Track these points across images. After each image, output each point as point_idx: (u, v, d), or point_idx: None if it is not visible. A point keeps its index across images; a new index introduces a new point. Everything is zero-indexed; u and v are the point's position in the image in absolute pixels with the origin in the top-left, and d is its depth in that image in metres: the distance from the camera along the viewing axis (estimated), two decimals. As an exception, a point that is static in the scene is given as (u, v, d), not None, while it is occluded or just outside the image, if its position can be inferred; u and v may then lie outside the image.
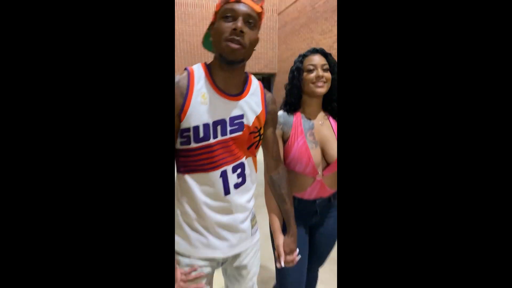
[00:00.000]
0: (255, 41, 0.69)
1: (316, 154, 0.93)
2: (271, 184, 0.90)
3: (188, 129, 0.69)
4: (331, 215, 1.04)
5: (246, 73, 0.78)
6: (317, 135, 0.95)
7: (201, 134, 0.69)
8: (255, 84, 0.79)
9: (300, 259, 0.93)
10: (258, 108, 0.77)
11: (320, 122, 0.97)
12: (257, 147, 0.80)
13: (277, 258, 0.90)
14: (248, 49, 0.68)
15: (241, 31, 0.64)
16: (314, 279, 1.21)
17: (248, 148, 0.77)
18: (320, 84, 0.89)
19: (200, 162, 0.71)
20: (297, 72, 0.94)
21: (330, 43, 4.35)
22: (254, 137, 0.77)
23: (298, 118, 0.95)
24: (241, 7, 0.64)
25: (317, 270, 1.19)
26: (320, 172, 0.94)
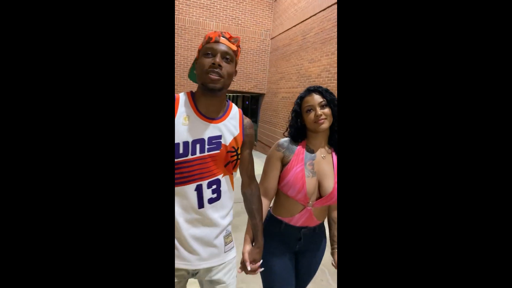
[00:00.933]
0: (232, 73, 0.83)
1: (310, 183, 0.96)
2: (244, 199, 0.98)
3: None
4: (315, 243, 1.08)
5: (227, 100, 0.90)
6: (316, 166, 0.99)
7: (181, 151, 0.79)
8: (234, 110, 0.91)
9: (287, 281, 1.01)
10: (236, 131, 0.88)
11: (322, 155, 1.01)
12: (234, 167, 0.89)
13: (241, 264, 0.96)
14: (226, 80, 0.82)
15: (219, 65, 0.78)
16: None
17: (225, 165, 0.86)
18: (320, 121, 0.95)
19: (178, 176, 0.80)
20: (295, 114, 1.02)
21: (318, 72, 4.62)
22: (231, 156, 0.86)
23: (302, 147, 1.01)
24: (219, 46, 0.80)
25: None
26: (311, 202, 0.98)
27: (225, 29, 6.43)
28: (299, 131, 1.02)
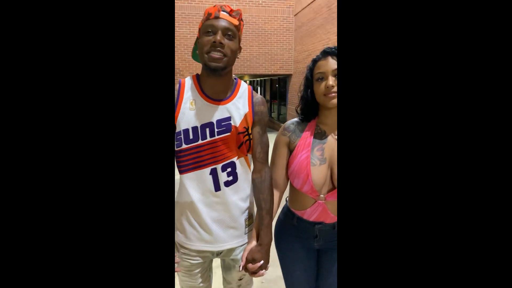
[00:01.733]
0: (235, 50, 0.78)
1: (318, 173, 0.81)
2: (253, 186, 0.87)
3: (179, 133, 0.80)
4: (335, 241, 0.89)
5: (235, 79, 0.86)
6: (327, 152, 0.83)
7: (191, 136, 0.79)
8: (243, 88, 0.86)
9: (302, 283, 0.90)
10: (245, 109, 0.83)
11: (335, 137, 0.84)
12: (249, 148, 0.85)
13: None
14: (230, 58, 0.77)
15: (221, 43, 0.73)
16: None
17: (239, 147, 0.82)
18: (331, 95, 0.77)
19: (191, 161, 0.80)
20: (306, 82, 0.85)
21: (347, 44, 4.35)
22: (243, 137, 0.82)
23: (311, 128, 0.86)
24: (219, 23, 0.75)
25: None
26: (322, 195, 0.83)
27: (246, 11, 6.26)
28: (309, 105, 0.85)
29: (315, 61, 0.83)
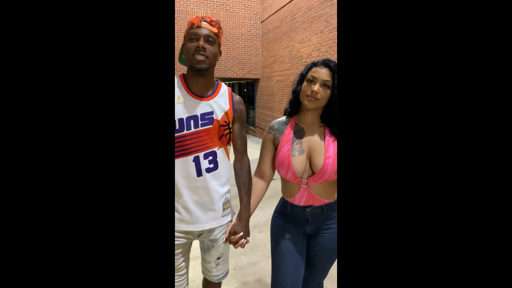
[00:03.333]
0: (216, 53, 0.95)
1: (297, 162, 0.95)
2: (235, 173, 1.04)
3: None
4: (328, 227, 1.03)
5: (217, 80, 1.02)
6: (305, 144, 0.97)
7: (177, 127, 0.92)
8: (224, 88, 1.03)
9: (294, 264, 1.01)
10: (226, 106, 1.00)
11: (313, 132, 0.98)
12: (228, 141, 1.01)
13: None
14: (211, 60, 0.92)
15: (203, 48, 0.89)
16: None
17: (219, 138, 0.98)
18: (311, 99, 0.90)
19: (177, 149, 0.93)
20: (300, 78, 0.97)
21: (309, 52, 4.67)
22: (224, 130, 0.99)
23: (291, 126, 1.00)
24: (201, 31, 0.91)
25: (321, 284, 1.19)
26: (304, 180, 0.96)
27: (214, 16, 6.40)
28: (296, 101, 0.99)
29: (314, 64, 0.94)
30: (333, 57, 3.90)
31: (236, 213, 1.03)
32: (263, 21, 6.73)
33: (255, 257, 1.97)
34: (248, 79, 7.39)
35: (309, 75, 0.93)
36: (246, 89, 8.43)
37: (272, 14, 6.14)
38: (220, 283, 1.18)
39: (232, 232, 0.97)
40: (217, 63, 0.98)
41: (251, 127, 7.86)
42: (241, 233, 0.98)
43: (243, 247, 1.00)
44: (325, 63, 0.92)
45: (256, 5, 6.79)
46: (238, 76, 6.95)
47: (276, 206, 1.12)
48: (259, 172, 1.05)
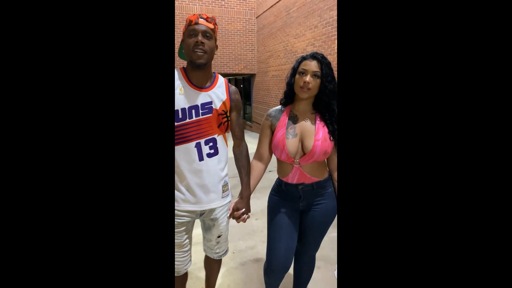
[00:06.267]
0: (213, 48, 1.04)
1: (291, 144, 1.07)
2: (234, 158, 1.16)
3: None
4: (318, 203, 1.16)
5: (214, 73, 1.13)
6: (298, 129, 1.09)
7: (180, 116, 1.02)
8: (221, 80, 1.13)
9: (288, 234, 1.14)
10: (224, 96, 1.10)
11: (305, 118, 1.10)
12: (226, 128, 1.12)
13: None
14: (209, 54, 1.00)
15: (202, 43, 0.99)
16: (309, 265, 1.34)
17: (218, 126, 1.09)
18: (304, 89, 1.02)
19: (180, 136, 1.01)
20: (292, 71, 1.09)
21: (304, 46, 4.73)
22: (222, 118, 1.09)
23: (286, 113, 1.12)
24: (199, 27, 1.00)
25: (313, 257, 1.32)
26: (296, 160, 1.08)
27: (209, 11, 6.41)
28: (290, 92, 1.10)
29: (303, 58, 1.06)
30: (327, 51, 3.97)
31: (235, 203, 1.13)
32: (258, 16, 6.75)
33: (253, 242, 2.09)
34: (244, 74, 7.43)
35: (300, 68, 1.04)
36: (242, 85, 8.47)
37: (267, 9, 6.17)
38: (220, 260, 1.29)
39: (235, 209, 1.09)
40: (213, 59, 1.06)
41: (248, 122, 7.91)
42: (243, 209, 1.10)
43: (244, 222, 1.12)
44: (313, 56, 1.04)
45: (251, 0, 6.81)
46: (234, 72, 6.99)
47: (273, 186, 1.24)
48: (258, 155, 1.17)
